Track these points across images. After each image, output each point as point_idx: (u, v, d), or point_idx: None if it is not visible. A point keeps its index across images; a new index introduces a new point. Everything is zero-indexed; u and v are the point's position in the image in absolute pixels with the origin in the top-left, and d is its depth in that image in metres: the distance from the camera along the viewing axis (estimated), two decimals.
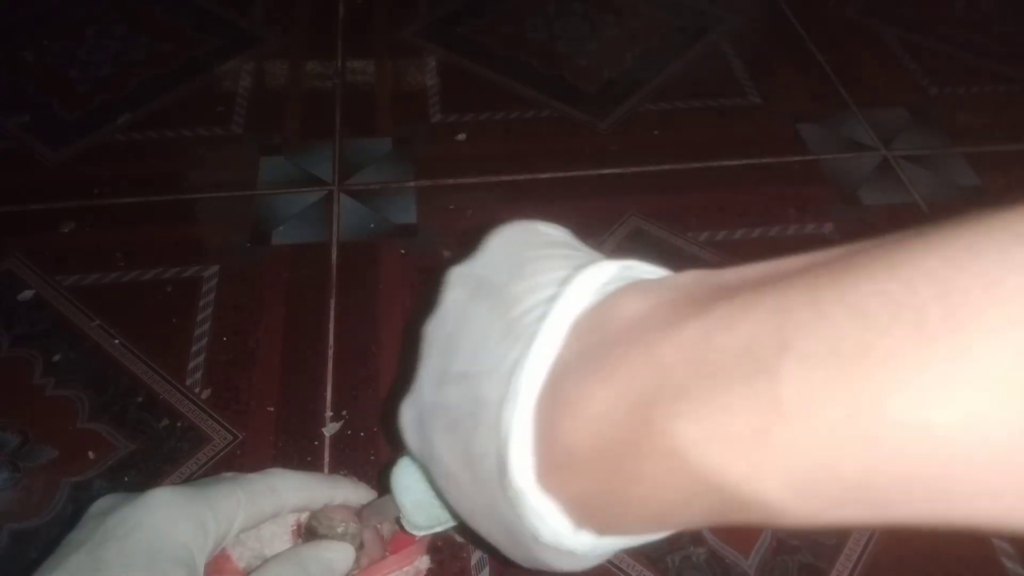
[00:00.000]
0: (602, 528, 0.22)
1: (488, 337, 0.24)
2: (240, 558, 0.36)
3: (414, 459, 0.30)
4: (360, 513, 0.38)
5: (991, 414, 0.14)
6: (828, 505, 0.17)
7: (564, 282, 0.22)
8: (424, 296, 0.61)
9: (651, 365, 0.18)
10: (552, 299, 0.22)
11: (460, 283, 0.27)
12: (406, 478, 0.33)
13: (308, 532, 0.37)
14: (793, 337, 0.16)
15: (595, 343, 0.20)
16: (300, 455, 0.52)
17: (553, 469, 0.21)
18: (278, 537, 0.37)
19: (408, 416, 0.27)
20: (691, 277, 0.21)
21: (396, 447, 0.38)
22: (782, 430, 0.16)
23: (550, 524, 0.21)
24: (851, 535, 0.50)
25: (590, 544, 0.22)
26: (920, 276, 0.15)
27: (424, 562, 0.40)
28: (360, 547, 0.37)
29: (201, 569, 0.33)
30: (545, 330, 0.21)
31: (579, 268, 0.23)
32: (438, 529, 0.34)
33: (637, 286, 0.21)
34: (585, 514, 0.21)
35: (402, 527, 0.35)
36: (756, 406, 0.16)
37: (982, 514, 0.15)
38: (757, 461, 0.17)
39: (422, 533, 0.34)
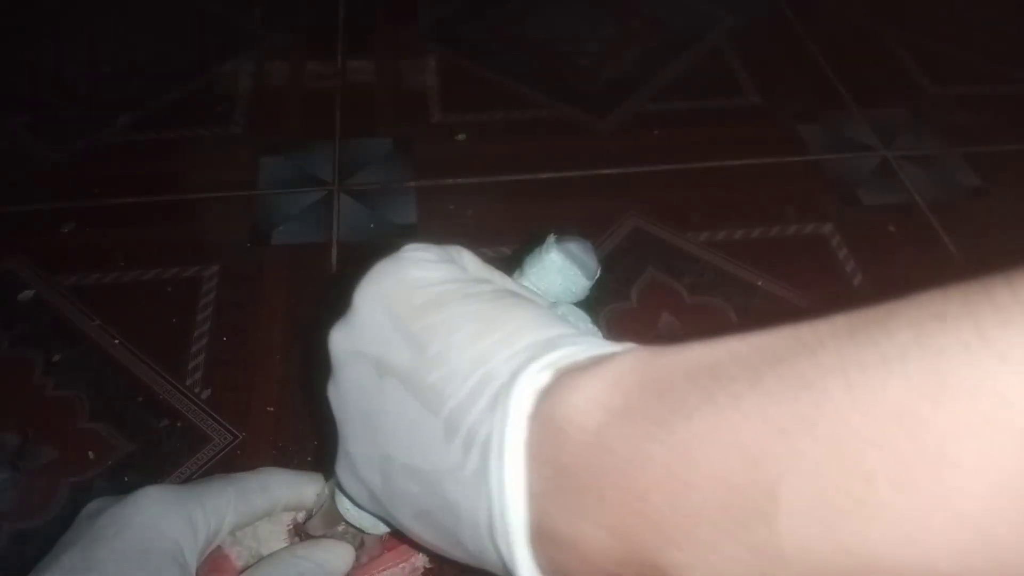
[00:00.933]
0: None
1: (425, 433, 0.24)
2: (238, 557, 0.36)
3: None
4: (309, 525, 0.38)
5: (982, 552, 0.15)
6: None
7: (499, 395, 0.22)
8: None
9: (637, 509, 0.19)
10: (491, 404, 0.22)
11: (354, 361, 0.26)
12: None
13: (305, 532, 0.37)
14: (778, 482, 0.17)
15: (565, 470, 0.21)
16: (301, 455, 0.52)
17: None
18: (275, 536, 0.37)
19: (355, 489, 0.28)
20: (629, 368, 0.21)
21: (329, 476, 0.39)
22: (787, 574, 0.17)
23: None
24: None
25: None
26: (891, 416, 0.15)
27: (421, 559, 0.40)
28: (360, 546, 0.37)
29: (193, 565, 0.33)
30: (508, 457, 0.21)
31: (510, 368, 0.22)
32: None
33: (577, 385, 0.21)
34: None
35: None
36: (759, 555, 0.17)
37: None
38: None
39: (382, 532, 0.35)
